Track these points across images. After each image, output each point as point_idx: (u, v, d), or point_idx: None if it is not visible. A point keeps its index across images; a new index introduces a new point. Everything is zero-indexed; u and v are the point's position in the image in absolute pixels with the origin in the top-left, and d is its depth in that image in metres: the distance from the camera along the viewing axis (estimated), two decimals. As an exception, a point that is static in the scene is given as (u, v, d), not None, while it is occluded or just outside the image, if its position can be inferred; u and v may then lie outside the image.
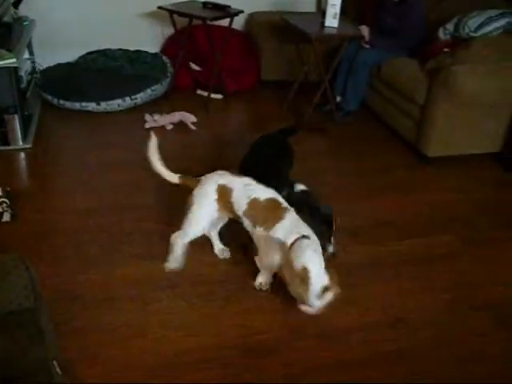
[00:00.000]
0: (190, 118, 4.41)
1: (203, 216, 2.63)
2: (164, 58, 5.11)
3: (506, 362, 2.41)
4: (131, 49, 5.19)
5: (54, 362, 1.56)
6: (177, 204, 3.32)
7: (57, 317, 2.39)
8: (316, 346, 2.39)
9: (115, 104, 4.54)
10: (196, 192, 2.62)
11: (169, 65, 5.02)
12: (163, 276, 2.73)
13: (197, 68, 5.22)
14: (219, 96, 5.02)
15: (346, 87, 4.69)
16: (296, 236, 2.34)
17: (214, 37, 4.76)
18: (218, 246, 2.92)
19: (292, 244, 2.32)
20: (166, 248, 2.89)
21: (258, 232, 2.49)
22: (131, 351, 2.29)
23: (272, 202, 2.49)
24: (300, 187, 2.96)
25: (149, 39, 5.46)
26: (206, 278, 2.74)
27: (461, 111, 3.83)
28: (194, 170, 3.49)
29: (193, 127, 4.39)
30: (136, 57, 5.05)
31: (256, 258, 2.60)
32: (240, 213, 2.53)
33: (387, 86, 4.41)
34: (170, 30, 5.20)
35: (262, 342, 2.39)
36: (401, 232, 3.23)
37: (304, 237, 2.34)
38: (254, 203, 2.48)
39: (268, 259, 2.48)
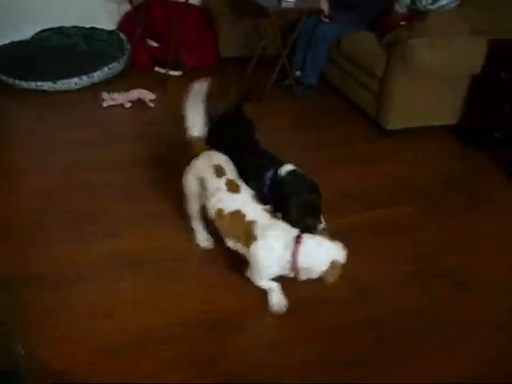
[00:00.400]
0: (148, 96, 4.36)
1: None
2: (121, 35, 5.02)
3: (468, 323, 2.50)
4: (86, 26, 5.08)
5: (19, 346, 1.55)
6: (139, 182, 3.32)
7: (21, 297, 2.38)
8: (281, 319, 2.42)
9: (72, 83, 4.44)
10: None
11: (126, 42, 4.94)
12: (128, 254, 2.72)
13: (154, 44, 5.15)
14: (177, 73, 4.96)
15: (305, 62, 4.69)
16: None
17: (170, 12, 4.70)
18: (202, 234, 2.83)
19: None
20: (130, 227, 2.89)
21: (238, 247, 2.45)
22: (97, 331, 2.29)
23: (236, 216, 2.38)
24: (287, 168, 2.66)
25: (105, 16, 5.34)
26: (170, 256, 2.74)
27: (419, 84, 3.87)
28: (155, 146, 3.48)
29: (151, 104, 4.35)
30: (91, 34, 4.96)
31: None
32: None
33: (347, 59, 4.43)
34: (126, 7, 5.10)
35: (227, 318, 2.41)
36: (361, 204, 3.27)
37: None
38: (219, 214, 2.43)
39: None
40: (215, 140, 2.80)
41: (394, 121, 4.02)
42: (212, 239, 2.79)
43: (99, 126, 4.01)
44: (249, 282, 2.55)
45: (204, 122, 2.70)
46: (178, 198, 3.05)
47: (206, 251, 2.77)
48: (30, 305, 2.37)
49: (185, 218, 2.83)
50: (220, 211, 2.41)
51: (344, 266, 2.24)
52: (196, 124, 2.68)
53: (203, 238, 2.80)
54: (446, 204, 3.37)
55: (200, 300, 2.50)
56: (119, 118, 4.13)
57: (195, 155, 2.62)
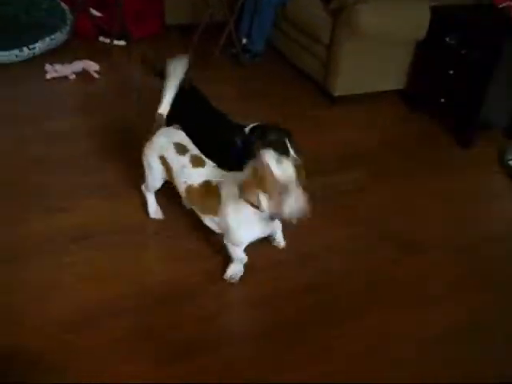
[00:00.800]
0: (92, 67, 4.26)
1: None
2: (62, 4, 4.86)
3: (413, 283, 2.58)
4: (25, -5, 4.91)
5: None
6: (86, 154, 3.26)
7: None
8: (228, 287, 2.44)
9: (12, 55, 4.28)
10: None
11: (67, 11, 4.79)
12: (75, 228, 2.68)
13: (97, 14, 5.01)
14: (122, 42, 4.86)
15: (251, 28, 4.65)
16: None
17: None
18: (152, 206, 2.81)
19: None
20: (75, 201, 2.85)
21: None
22: (48, 306, 2.27)
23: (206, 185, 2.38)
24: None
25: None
26: (119, 228, 2.72)
27: (365, 50, 3.90)
28: (101, 118, 3.41)
29: (96, 76, 4.25)
30: (31, 3, 4.78)
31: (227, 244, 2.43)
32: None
33: (293, 25, 4.41)
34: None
35: (177, 289, 2.41)
36: (308, 171, 3.27)
37: None
38: (189, 190, 2.41)
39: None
40: (174, 116, 2.76)
41: (342, 87, 4.03)
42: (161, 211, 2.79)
43: (43, 98, 3.91)
44: (198, 252, 2.57)
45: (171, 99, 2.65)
46: (126, 168, 3.04)
47: (155, 223, 2.76)
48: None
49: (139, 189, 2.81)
50: (189, 187, 2.39)
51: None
52: (163, 101, 2.62)
53: (154, 211, 2.79)
54: (393, 168, 3.44)
55: (150, 271, 2.51)
56: (63, 90, 4.03)
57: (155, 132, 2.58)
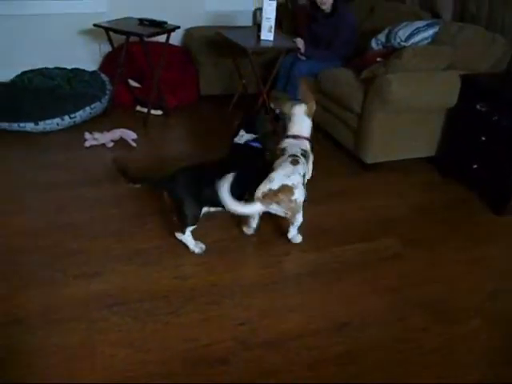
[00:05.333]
0: (130, 135, 4.36)
1: None
2: (102, 75, 5.06)
3: (443, 354, 2.48)
4: (68, 67, 5.11)
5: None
6: (121, 221, 3.30)
7: (1, 341, 2.33)
8: (264, 354, 2.39)
9: (54, 123, 4.45)
10: None
11: (107, 82, 4.97)
12: (109, 294, 2.69)
13: (136, 84, 5.19)
14: (159, 112, 5.00)
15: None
16: None
17: (151, 53, 4.73)
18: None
19: None
20: (110, 266, 2.86)
21: None
22: (79, 372, 2.24)
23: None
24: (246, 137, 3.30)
25: (86, 57, 5.43)
26: (150, 294, 2.71)
27: (396, 118, 3.92)
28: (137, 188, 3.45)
29: (134, 144, 4.35)
30: (74, 75, 4.98)
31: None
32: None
33: (324, 95, 4.47)
34: (107, 48, 5.15)
35: (210, 354, 2.37)
36: (342, 238, 3.27)
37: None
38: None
39: None
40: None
41: (374, 155, 4.06)
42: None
43: (82, 166, 4.00)
44: (231, 317, 2.54)
45: None
46: (160, 235, 3.06)
47: (187, 288, 2.75)
48: (9, 347, 2.33)
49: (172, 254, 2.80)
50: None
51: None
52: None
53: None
54: (427, 234, 3.39)
55: (182, 337, 2.46)
56: (102, 158, 4.12)
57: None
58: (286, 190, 2.83)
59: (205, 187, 2.86)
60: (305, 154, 3.13)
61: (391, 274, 2.98)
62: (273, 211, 2.93)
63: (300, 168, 2.97)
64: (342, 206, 3.64)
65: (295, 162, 2.97)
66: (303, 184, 2.99)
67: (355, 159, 4.21)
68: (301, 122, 3.28)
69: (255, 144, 3.28)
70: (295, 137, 3.23)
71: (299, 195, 2.89)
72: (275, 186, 2.82)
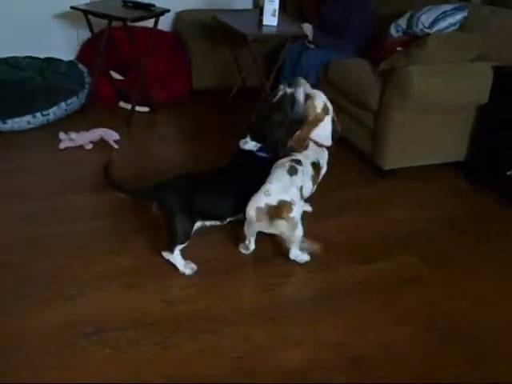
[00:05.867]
0: (112, 136, 4.35)
1: None
2: (80, 66, 5.07)
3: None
4: (41, 56, 5.12)
5: None
6: (94, 236, 3.29)
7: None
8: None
9: (24, 121, 4.45)
10: None
11: (86, 74, 4.98)
12: (87, 320, 2.66)
13: (118, 77, 5.18)
14: (145, 108, 4.99)
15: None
16: None
17: (137, 40, 4.72)
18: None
19: None
20: (87, 288, 2.85)
21: None
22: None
23: None
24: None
25: (62, 45, 5.43)
26: (134, 321, 2.68)
27: (418, 117, 3.92)
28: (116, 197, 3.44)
29: (116, 146, 4.34)
30: (47, 65, 5.00)
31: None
32: None
33: (337, 91, 4.45)
34: (86, 34, 5.16)
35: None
36: (355, 256, 3.25)
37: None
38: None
39: None
40: None
41: (392, 160, 4.06)
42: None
43: (56, 171, 3.99)
44: (231, 348, 2.53)
45: None
46: (146, 253, 3.05)
47: (177, 315, 2.74)
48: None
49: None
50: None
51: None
52: None
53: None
54: (454, 253, 3.36)
55: (173, 373, 2.43)
56: (78, 162, 4.12)
57: None
58: (286, 205, 2.82)
59: (199, 198, 2.87)
60: (317, 165, 3.13)
61: (413, 300, 2.96)
62: (264, 230, 2.94)
63: (298, 180, 2.94)
64: (354, 218, 3.63)
65: (293, 171, 2.94)
66: (301, 198, 2.99)
67: (370, 164, 4.21)
68: (326, 125, 3.22)
69: (262, 154, 3.26)
70: (316, 143, 3.19)
71: (297, 213, 2.87)
72: (273, 201, 2.81)
